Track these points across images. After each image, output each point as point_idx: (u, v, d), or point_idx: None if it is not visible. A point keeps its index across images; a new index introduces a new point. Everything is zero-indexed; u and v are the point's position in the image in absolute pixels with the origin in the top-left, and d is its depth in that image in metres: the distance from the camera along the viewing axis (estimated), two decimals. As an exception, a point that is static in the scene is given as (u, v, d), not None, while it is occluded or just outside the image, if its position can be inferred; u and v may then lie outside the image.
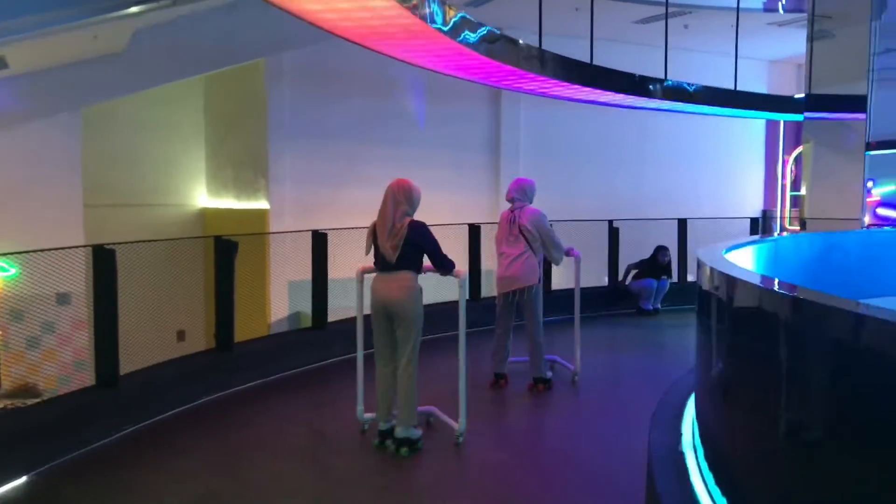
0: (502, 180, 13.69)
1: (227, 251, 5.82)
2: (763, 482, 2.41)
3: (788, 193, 16.63)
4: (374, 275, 4.63)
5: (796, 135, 16.89)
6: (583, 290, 6.59)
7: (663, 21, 11.38)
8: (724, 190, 16.23)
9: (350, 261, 7.72)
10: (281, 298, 10.47)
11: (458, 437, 4.67)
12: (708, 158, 15.89)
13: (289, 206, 11.96)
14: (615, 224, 10.27)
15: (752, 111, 11.92)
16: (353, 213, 12.44)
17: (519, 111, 13.77)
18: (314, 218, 11.42)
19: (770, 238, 6.51)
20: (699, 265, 3.40)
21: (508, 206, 6.00)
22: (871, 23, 6.75)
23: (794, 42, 13.86)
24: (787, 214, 16.58)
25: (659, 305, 9.98)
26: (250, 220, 12.21)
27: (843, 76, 7.19)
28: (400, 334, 4.52)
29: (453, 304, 4.92)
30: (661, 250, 10.03)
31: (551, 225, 5.86)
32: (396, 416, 4.57)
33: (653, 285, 9.81)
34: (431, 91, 12.98)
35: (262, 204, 12.19)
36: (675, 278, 10.59)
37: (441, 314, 6.39)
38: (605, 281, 10.27)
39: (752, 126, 16.89)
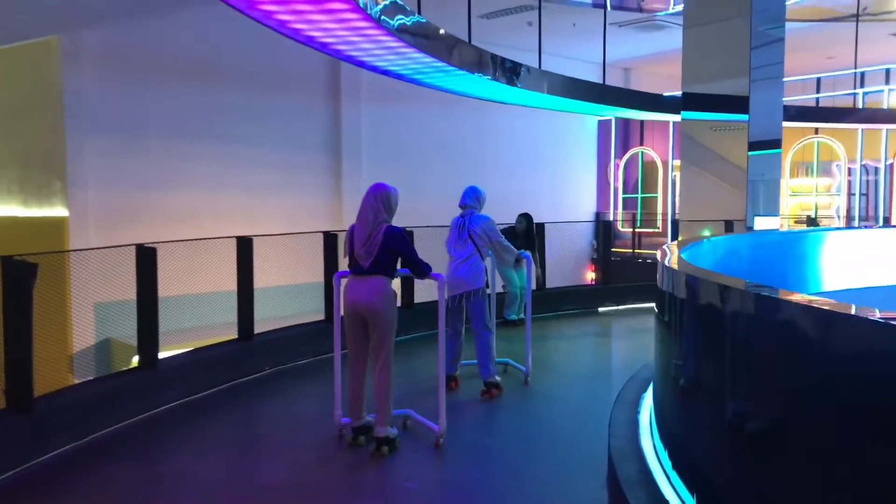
0: (345, 183, 12.72)
1: (20, 276, 4.37)
2: (720, 469, 2.62)
3: (621, 196, 17.14)
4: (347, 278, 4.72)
5: (625, 137, 17.50)
6: (427, 304, 6.57)
7: (507, 17, 11.05)
8: (560, 192, 16.42)
9: (182, 276, 6.54)
10: (85, 324, 8.76)
11: (439, 437, 4.78)
12: (545, 160, 15.97)
13: (93, 214, 10.18)
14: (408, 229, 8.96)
15: (621, 107, 11.84)
16: (177, 220, 11.00)
17: (360, 107, 12.87)
18: (126, 227, 9.80)
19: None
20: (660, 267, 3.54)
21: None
22: (752, 17, 6.66)
23: (628, 44, 14.21)
24: (619, 217, 17.08)
25: (521, 314, 9.48)
26: (43, 230, 10.25)
27: (721, 73, 7.04)
28: (374, 339, 4.63)
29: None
30: (518, 218, 9.13)
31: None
32: (375, 418, 4.69)
33: (512, 277, 8.86)
34: (263, 83, 11.72)
35: (58, 211, 10.28)
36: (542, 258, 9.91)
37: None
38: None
39: (586, 129, 17.26)
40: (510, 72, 9.14)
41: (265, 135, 11.81)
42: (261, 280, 7.24)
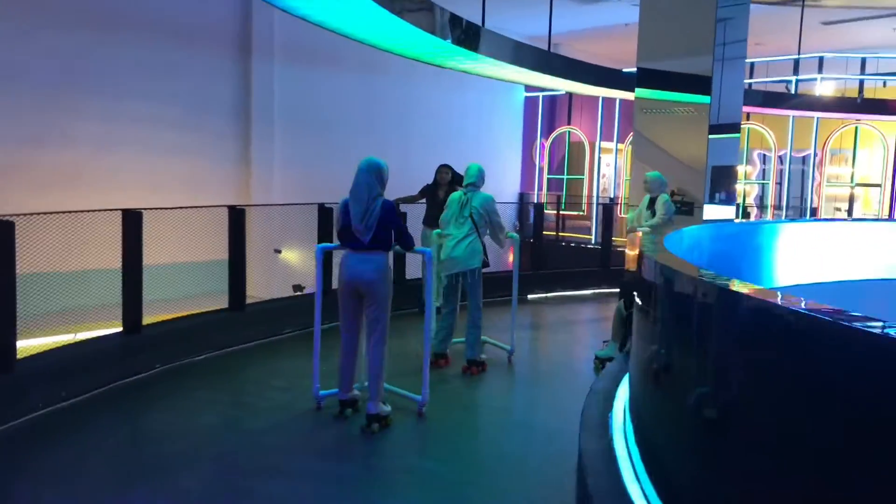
0: (255, 151, 11.64)
1: None
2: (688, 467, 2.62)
3: (546, 177, 16.69)
4: (343, 253, 4.73)
5: (552, 115, 17.03)
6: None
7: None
8: (487, 171, 15.75)
9: (57, 251, 5.48)
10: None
11: (421, 407, 4.89)
12: (470, 137, 15.30)
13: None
14: (328, 206, 7.74)
15: (570, 79, 11.10)
16: (54, 185, 9.68)
17: (272, 67, 11.76)
18: (-6, 191, 8.50)
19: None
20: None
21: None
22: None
23: (562, 19, 13.64)
24: (543, 199, 16.63)
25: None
26: None
27: (681, 50, 6.48)
28: (370, 313, 4.67)
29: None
30: (439, 168, 8.31)
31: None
32: (367, 393, 4.70)
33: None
34: (165, 34, 10.45)
35: None
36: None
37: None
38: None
39: (512, 105, 16.67)
40: (457, 27, 8.28)
41: (165, 92, 10.57)
42: (154, 257, 6.30)
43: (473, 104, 15.49)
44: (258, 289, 9.84)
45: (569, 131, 16.50)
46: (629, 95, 10.79)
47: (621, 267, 11.14)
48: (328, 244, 4.92)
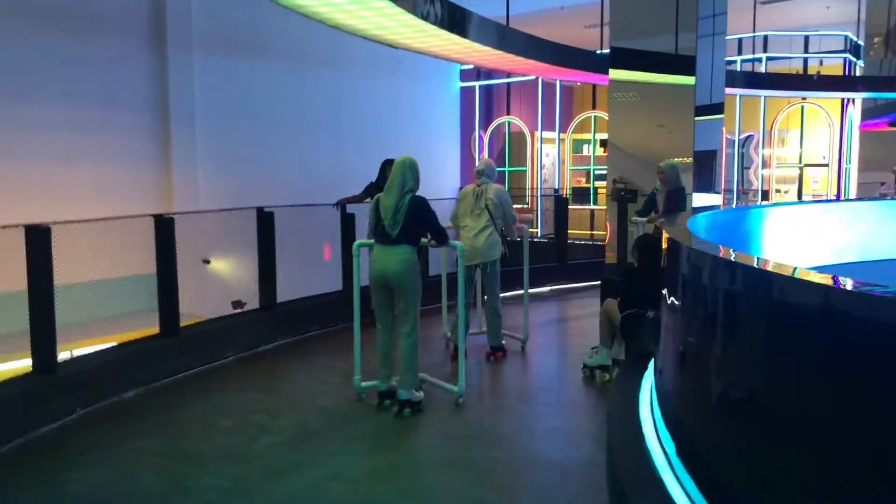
0: (175, 152, 10.61)
1: None
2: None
3: (487, 170, 16.12)
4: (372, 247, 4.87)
5: (489, 105, 16.49)
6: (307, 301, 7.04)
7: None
8: (423, 165, 15.06)
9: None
10: None
11: (457, 398, 5.02)
12: (406, 130, 14.59)
13: None
14: (267, 210, 6.95)
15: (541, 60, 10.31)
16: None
17: (191, 60, 10.77)
18: None
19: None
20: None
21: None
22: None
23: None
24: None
25: None
26: None
27: (658, 27, 5.94)
28: (400, 305, 4.82)
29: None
30: (385, 164, 7.56)
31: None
32: (398, 380, 4.88)
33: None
34: (67, 24, 9.35)
35: None
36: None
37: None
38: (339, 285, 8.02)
39: (448, 96, 16.05)
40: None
41: (70, 89, 9.47)
42: (68, 275, 5.40)
43: (407, 95, 14.81)
44: (191, 305, 8.90)
45: (508, 121, 15.99)
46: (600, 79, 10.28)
47: (582, 261, 10.68)
48: (364, 241, 5.07)
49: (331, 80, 13.09)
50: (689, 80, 5.67)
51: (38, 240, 4.54)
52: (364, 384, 5.12)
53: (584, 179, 16.09)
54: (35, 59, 9.11)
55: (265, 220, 6.83)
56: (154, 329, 5.86)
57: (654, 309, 5.09)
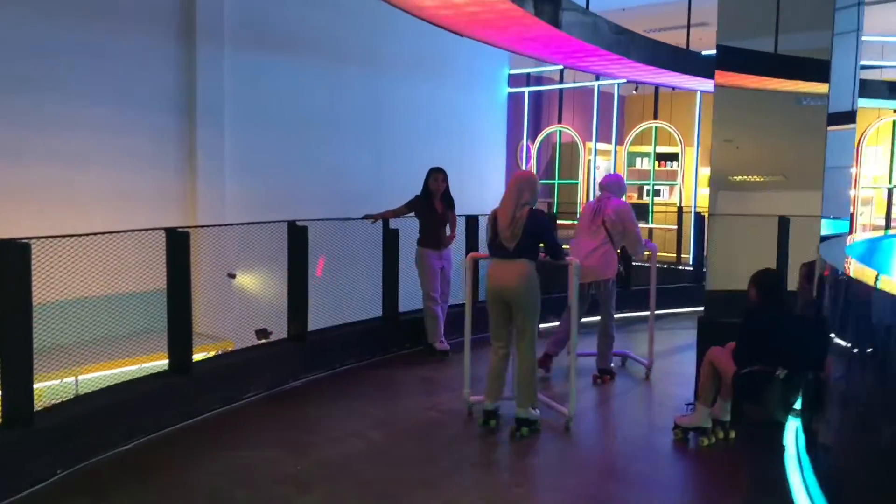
0: (201, 156, 9.83)
1: None
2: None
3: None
4: (489, 262, 4.86)
5: (538, 113, 15.53)
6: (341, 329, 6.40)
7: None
8: (466, 176, 14.07)
9: None
10: None
11: (568, 421, 4.90)
12: (449, 138, 13.67)
13: None
14: (300, 223, 6.06)
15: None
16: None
17: (222, 55, 10.00)
18: None
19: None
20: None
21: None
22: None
23: None
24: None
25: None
26: None
27: (787, 25, 4.91)
28: (518, 321, 4.77)
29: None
30: (433, 173, 6.77)
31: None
32: (515, 398, 4.81)
33: (436, 273, 6.59)
34: (85, 12, 8.63)
35: None
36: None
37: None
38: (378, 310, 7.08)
39: (495, 102, 15.12)
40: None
41: (86, 85, 8.74)
42: (71, 290, 4.66)
43: (451, 100, 13.90)
44: (206, 325, 8.05)
45: (559, 130, 15.00)
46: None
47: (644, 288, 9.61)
48: (479, 253, 5.09)
49: (369, 82, 12.25)
50: (822, 87, 4.63)
51: (11, 257, 3.67)
52: (473, 399, 5.11)
53: (636, 195, 14.99)
54: (45, 51, 8.38)
55: (298, 236, 5.94)
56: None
57: (783, 365, 4.10)
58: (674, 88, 13.75)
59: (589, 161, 14.84)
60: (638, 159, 15.15)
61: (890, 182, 11.94)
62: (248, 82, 10.37)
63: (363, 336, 6.63)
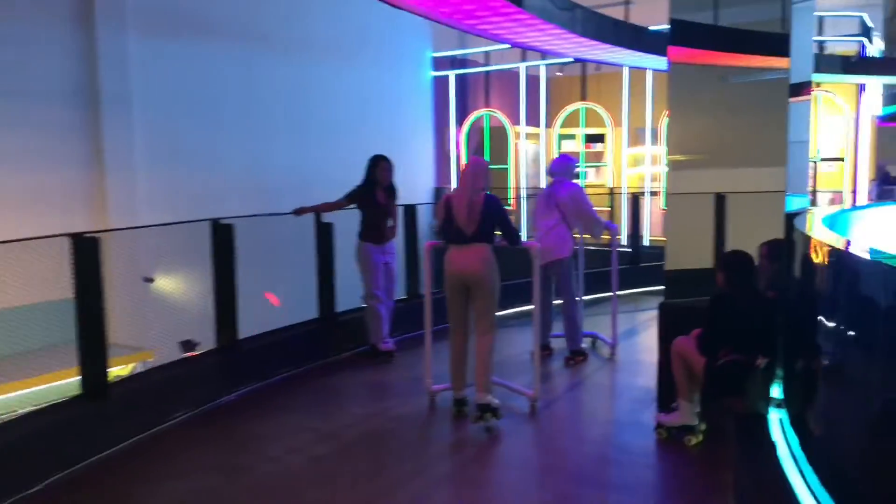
0: (108, 150, 9.04)
1: None
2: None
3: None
4: (448, 249, 4.85)
5: (465, 97, 15.18)
6: (275, 336, 5.97)
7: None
8: (394, 165, 13.65)
9: None
10: None
11: (533, 403, 4.99)
12: (374, 125, 13.16)
13: None
14: (224, 222, 5.45)
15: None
16: None
17: (126, 40, 9.22)
18: None
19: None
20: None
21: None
22: None
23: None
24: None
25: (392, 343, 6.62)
26: None
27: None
28: (478, 305, 4.80)
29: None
30: (378, 162, 6.31)
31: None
32: (476, 384, 4.78)
33: (378, 269, 6.13)
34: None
35: None
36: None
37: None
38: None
39: (420, 86, 14.70)
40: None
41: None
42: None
43: (375, 84, 13.40)
44: (122, 335, 7.39)
45: (488, 114, 14.70)
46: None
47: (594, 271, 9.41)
48: (435, 240, 5.06)
49: (289, 66, 11.62)
50: (782, 61, 4.40)
51: None
52: (435, 386, 5.12)
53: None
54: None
55: (222, 236, 5.40)
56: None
57: (755, 352, 3.87)
58: (599, 65, 13.66)
59: (517, 145, 14.60)
60: (565, 142, 15.01)
61: (815, 156, 12.18)
62: (157, 69, 9.62)
63: (299, 341, 6.15)
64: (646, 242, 12.16)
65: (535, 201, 6.35)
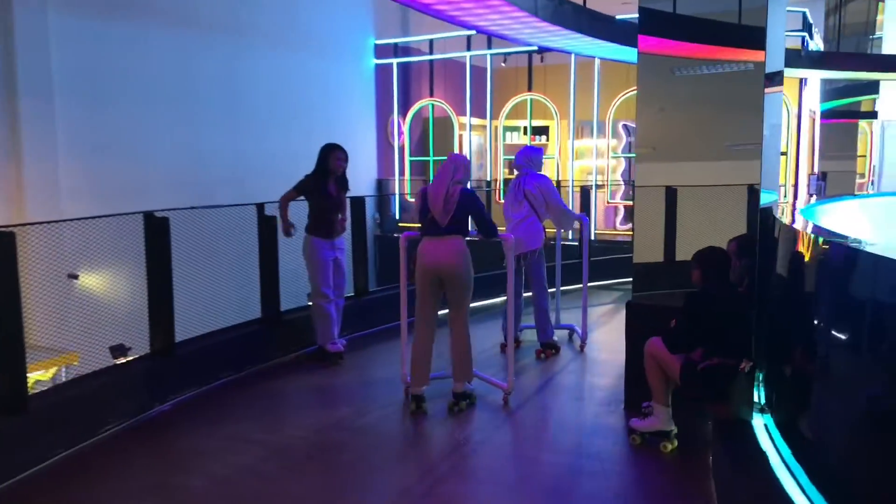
0: (27, 136, 8.38)
1: None
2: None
3: (408, 159, 14.46)
4: (421, 240, 4.88)
5: (408, 85, 14.81)
6: (214, 338, 5.50)
7: None
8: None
9: None
10: None
11: (507, 394, 4.97)
12: (315, 115, 12.69)
13: None
14: (159, 214, 5.00)
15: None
16: None
17: (45, 19, 8.55)
18: None
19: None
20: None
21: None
22: None
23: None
24: (407, 185, 14.45)
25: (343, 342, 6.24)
26: None
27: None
28: (452, 297, 4.83)
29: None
30: (332, 151, 5.95)
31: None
32: (453, 374, 4.86)
33: (327, 265, 5.77)
34: None
35: None
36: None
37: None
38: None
39: (362, 74, 14.27)
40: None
41: None
42: None
43: (315, 72, 12.91)
44: (44, 336, 6.81)
45: (432, 104, 14.37)
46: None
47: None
48: (411, 233, 5.05)
49: (226, 50, 11.05)
50: (757, 55, 4.22)
51: None
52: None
53: (506, 171, 14.62)
54: None
55: (157, 230, 4.95)
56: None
57: (728, 353, 3.69)
58: (544, 56, 13.48)
59: (462, 136, 14.33)
60: (510, 134, 14.80)
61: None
62: (82, 51, 8.95)
63: (241, 343, 5.74)
64: (591, 237, 12.05)
65: (506, 193, 6.35)
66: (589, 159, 13.89)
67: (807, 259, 3.11)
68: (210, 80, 10.83)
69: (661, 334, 4.05)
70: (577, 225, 7.21)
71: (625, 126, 14.00)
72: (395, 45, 14.43)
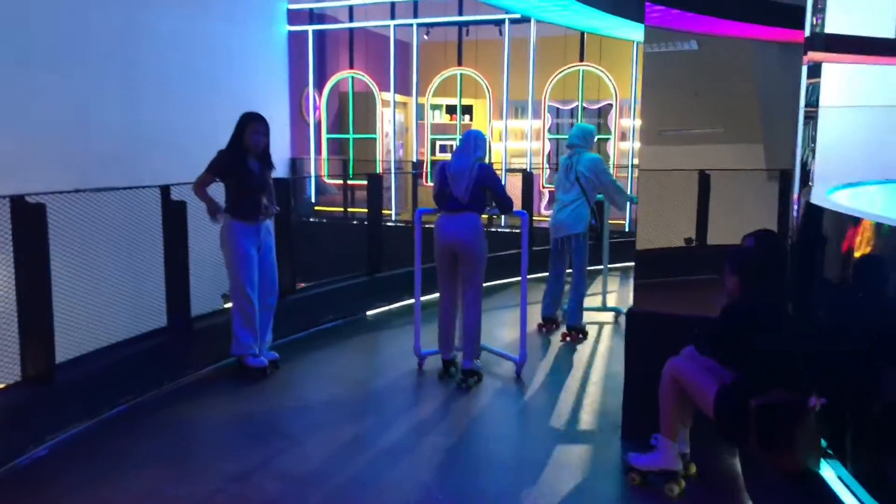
0: None
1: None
2: None
3: (325, 137, 13.35)
4: (438, 215, 5.03)
5: (323, 56, 13.66)
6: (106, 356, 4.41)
7: None
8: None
9: None
10: None
11: (519, 369, 5.16)
12: (222, 83, 11.42)
13: None
14: (32, 200, 3.89)
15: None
16: None
17: None
18: None
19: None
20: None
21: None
22: None
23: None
24: (324, 165, 13.37)
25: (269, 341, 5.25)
26: None
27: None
28: (465, 273, 4.97)
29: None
30: (249, 122, 4.95)
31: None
32: (464, 349, 5.01)
33: (251, 257, 4.80)
34: None
35: None
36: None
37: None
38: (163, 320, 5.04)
39: (273, 42, 13.06)
40: None
41: None
42: None
43: (220, 36, 11.60)
44: None
45: (352, 77, 13.28)
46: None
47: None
48: (426, 209, 5.18)
49: (119, 11, 9.66)
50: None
51: None
52: (424, 351, 5.29)
53: (428, 151, 13.72)
54: None
55: (30, 220, 3.83)
56: None
57: (801, 387, 2.97)
58: (470, 31, 12.67)
59: (384, 113, 13.33)
60: (433, 112, 13.89)
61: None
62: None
63: (142, 359, 4.67)
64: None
65: (556, 172, 6.43)
66: (520, 141, 13.17)
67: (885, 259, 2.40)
68: (103, 44, 9.42)
69: (679, 353, 3.33)
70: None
71: (553, 107, 13.34)
72: (311, 10, 13.25)
